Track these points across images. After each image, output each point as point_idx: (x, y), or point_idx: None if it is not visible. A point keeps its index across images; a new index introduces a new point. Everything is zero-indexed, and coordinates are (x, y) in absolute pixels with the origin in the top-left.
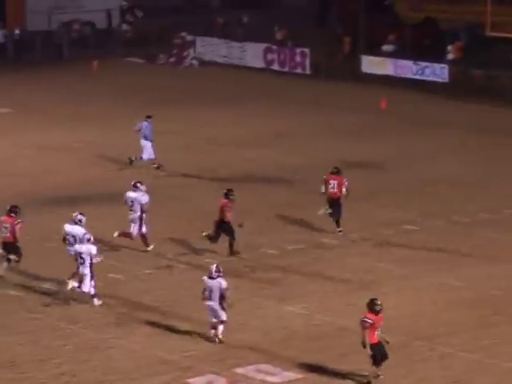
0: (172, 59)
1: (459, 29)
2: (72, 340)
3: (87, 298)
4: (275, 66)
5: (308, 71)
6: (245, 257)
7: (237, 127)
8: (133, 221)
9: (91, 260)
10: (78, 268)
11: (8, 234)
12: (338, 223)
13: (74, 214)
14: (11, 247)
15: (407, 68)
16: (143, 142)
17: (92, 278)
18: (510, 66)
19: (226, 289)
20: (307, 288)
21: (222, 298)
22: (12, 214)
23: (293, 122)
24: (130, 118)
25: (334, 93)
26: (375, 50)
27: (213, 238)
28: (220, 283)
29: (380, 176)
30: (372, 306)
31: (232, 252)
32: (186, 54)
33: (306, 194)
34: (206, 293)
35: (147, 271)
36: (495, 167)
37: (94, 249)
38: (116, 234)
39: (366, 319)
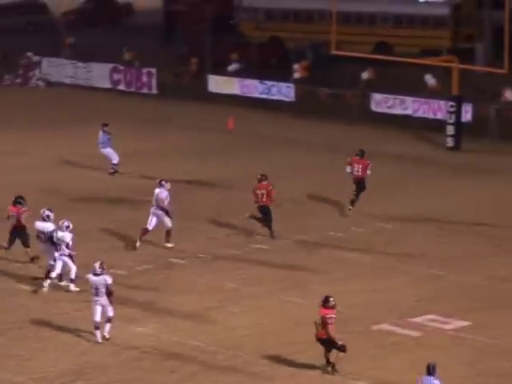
0: (18, 80)
1: (305, 47)
2: None
3: None
4: (122, 86)
5: (155, 91)
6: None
7: (84, 148)
8: (153, 214)
9: (68, 247)
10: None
11: (16, 222)
12: (356, 197)
13: (42, 211)
14: (20, 232)
15: (253, 87)
16: (105, 151)
17: (73, 262)
18: (355, 84)
19: (112, 284)
20: (156, 308)
21: (109, 294)
22: (18, 205)
23: (140, 142)
24: None
25: (181, 112)
26: (222, 70)
27: (260, 220)
28: (105, 279)
29: (227, 195)
30: (327, 303)
31: (272, 234)
32: (31, 74)
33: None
34: (92, 290)
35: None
36: (342, 186)
37: (68, 237)
38: (138, 244)
39: (331, 316)
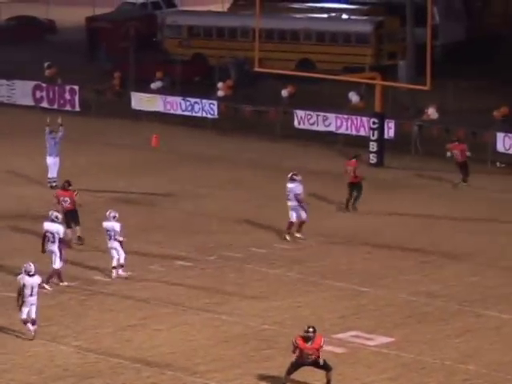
0: None
1: (228, 65)
2: None
3: None
4: (44, 104)
5: (77, 108)
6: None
7: (6, 165)
8: (292, 209)
9: (116, 235)
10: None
11: (69, 205)
12: (466, 176)
13: (50, 213)
14: (73, 214)
15: (176, 104)
16: (47, 159)
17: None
18: (278, 101)
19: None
20: (80, 326)
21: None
22: (69, 188)
23: (64, 159)
24: None
25: (104, 130)
26: (145, 87)
27: (349, 201)
28: (38, 279)
29: (151, 212)
30: (303, 333)
31: (353, 207)
32: None
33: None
34: (27, 291)
35: None
36: (265, 202)
37: (118, 226)
38: (288, 238)
39: (294, 341)
